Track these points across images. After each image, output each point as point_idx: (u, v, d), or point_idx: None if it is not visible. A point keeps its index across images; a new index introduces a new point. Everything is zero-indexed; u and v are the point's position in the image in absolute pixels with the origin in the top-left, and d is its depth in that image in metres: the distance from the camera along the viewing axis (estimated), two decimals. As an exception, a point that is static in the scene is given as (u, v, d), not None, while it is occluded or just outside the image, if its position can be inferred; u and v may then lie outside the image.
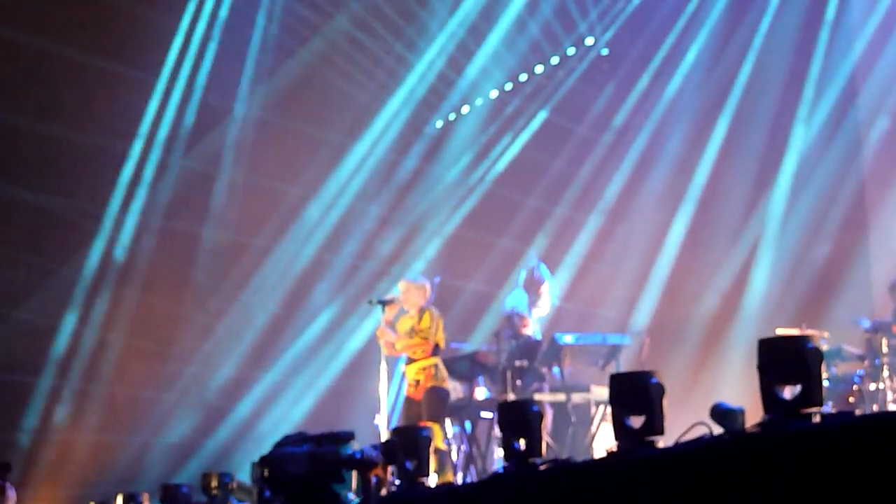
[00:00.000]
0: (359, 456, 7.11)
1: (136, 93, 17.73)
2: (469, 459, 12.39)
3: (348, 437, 7.17)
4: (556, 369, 12.39)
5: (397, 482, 8.97)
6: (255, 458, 10.43)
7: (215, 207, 18.93)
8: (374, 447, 7.23)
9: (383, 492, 7.42)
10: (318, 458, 7.02)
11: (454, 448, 12.74)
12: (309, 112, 18.83)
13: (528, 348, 12.94)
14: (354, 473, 7.46)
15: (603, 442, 11.11)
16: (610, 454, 7.30)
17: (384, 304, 12.00)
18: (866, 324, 11.87)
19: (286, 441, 7.17)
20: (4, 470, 8.94)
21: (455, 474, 11.96)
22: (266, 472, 7.24)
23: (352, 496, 7.37)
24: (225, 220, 18.87)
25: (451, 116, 19.12)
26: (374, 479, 7.19)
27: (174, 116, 18.19)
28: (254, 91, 18.45)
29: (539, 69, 18.88)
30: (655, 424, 7.01)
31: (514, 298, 14.49)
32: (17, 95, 16.63)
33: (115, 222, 18.46)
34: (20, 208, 17.29)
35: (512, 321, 13.43)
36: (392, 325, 12.07)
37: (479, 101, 19.12)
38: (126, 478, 16.86)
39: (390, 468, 7.44)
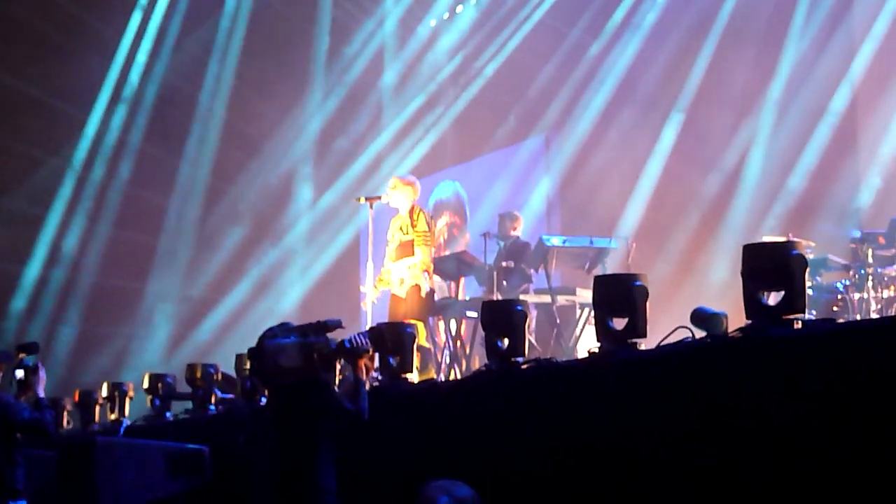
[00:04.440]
0: (348, 344, 7.12)
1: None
2: (453, 358, 12.45)
3: (336, 325, 7.17)
4: (542, 271, 12.42)
5: (379, 377, 9.03)
6: (240, 351, 10.53)
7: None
8: (363, 335, 7.24)
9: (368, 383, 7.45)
10: (310, 348, 7.02)
11: (438, 346, 12.81)
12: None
13: (516, 249, 12.96)
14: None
15: (587, 345, 11.16)
16: (592, 355, 7.34)
17: (371, 200, 11.98)
18: (857, 234, 11.84)
19: (272, 333, 7.16)
20: (33, 350, 8.96)
21: (438, 372, 12.03)
22: (256, 365, 7.25)
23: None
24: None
25: (445, 16, 18.98)
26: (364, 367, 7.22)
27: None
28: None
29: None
30: (638, 327, 7.05)
31: None
32: None
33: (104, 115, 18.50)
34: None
35: (503, 221, 13.41)
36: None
37: (472, 1, 18.97)
38: (111, 368, 17.00)
39: (376, 355, 7.47)
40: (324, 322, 7.18)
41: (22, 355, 8.79)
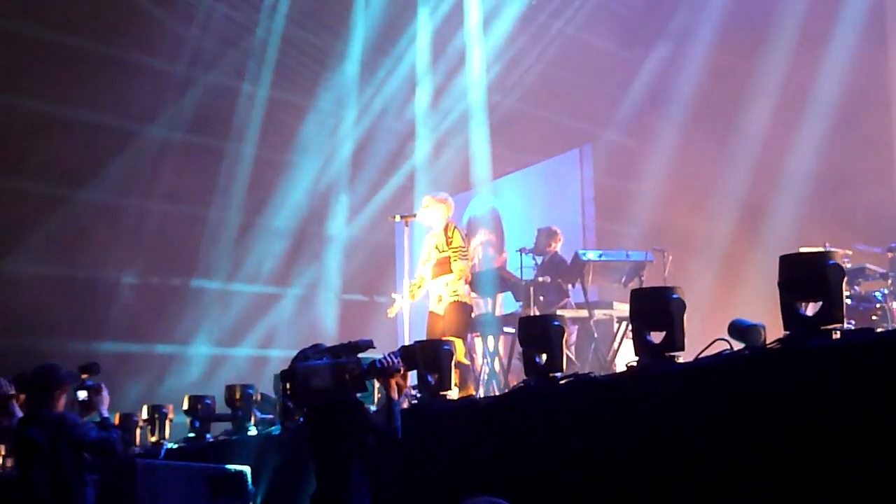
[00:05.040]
0: (380, 364, 7.13)
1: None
2: (491, 374, 12.43)
3: (367, 345, 7.18)
4: (579, 286, 12.40)
5: (419, 395, 9.02)
6: (278, 371, 10.54)
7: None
8: (395, 354, 7.24)
9: (404, 402, 7.45)
10: (341, 369, 7.04)
11: (477, 362, 12.79)
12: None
13: (552, 264, 12.94)
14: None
15: (625, 358, 11.12)
16: (630, 369, 7.32)
17: (406, 218, 11.98)
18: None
19: (304, 355, 7.18)
20: (95, 370, 8.97)
21: (477, 388, 12.00)
22: (289, 387, 7.27)
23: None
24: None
25: (477, 31, 18.94)
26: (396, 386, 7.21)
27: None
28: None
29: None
30: (676, 340, 7.02)
31: None
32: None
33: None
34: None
35: (541, 237, 13.38)
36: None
37: (505, 16, 18.92)
38: (150, 390, 17.04)
39: (409, 374, 7.47)
40: (355, 342, 7.20)
41: (84, 376, 8.81)
